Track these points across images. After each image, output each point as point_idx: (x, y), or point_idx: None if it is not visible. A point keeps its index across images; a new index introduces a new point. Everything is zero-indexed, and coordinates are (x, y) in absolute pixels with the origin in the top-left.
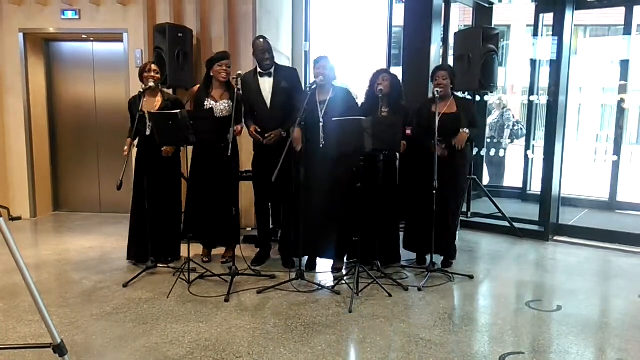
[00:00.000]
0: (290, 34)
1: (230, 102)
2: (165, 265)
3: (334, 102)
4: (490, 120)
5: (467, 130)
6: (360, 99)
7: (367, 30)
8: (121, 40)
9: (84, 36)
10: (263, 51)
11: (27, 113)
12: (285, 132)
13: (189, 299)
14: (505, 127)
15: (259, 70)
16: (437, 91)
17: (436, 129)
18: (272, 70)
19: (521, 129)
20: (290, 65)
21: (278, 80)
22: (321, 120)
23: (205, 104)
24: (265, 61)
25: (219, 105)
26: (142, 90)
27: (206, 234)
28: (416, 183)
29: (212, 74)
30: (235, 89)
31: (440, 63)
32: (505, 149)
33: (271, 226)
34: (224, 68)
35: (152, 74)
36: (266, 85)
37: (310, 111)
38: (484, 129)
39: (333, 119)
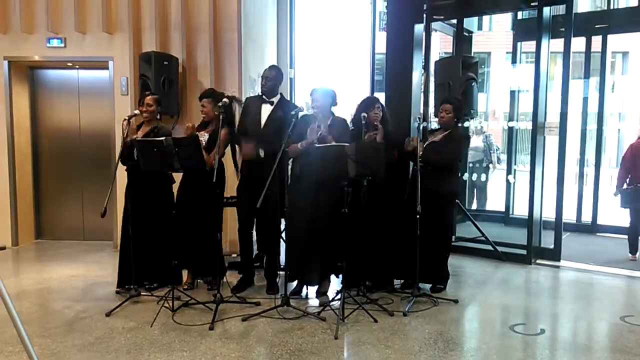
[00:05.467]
0: (275, 61)
1: (206, 135)
2: (149, 294)
3: (332, 127)
4: (472, 145)
5: (417, 139)
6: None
7: (351, 57)
8: (106, 68)
9: (69, 64)
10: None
11: (10, 140)
12: (262, 152)
13: (173, 328)
14: (485, 153)
15: (263, 96)
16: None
17: (417, 155)
18: (274, 100)
19: (499, 156)
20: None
21: (276, 109)
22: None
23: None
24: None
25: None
26: (127, 118)
27: (192, 261)
28: (402, 209)
29: None
30: (220, 117)
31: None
32: (487, 174)
33: (256, 252)
34: (201, 108)
35: (145, 107)
36: (266, 110)
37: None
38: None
39: (316, 145)
